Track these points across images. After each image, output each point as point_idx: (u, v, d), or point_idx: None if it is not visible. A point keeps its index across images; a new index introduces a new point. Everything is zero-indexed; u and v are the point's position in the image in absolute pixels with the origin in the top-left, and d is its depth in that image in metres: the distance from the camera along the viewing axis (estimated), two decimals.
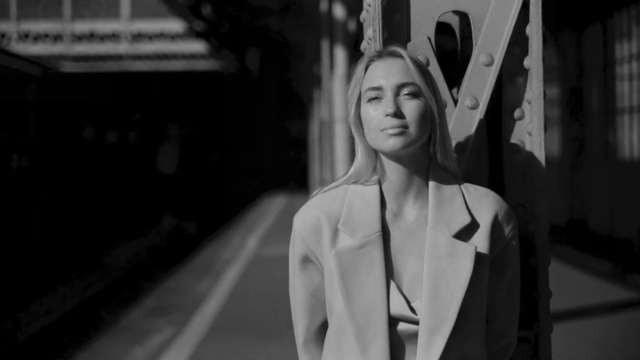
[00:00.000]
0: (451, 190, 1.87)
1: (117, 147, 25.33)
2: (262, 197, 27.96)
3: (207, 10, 20.56)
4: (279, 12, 17.35)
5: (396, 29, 2.18)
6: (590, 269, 10.13)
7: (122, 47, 28.15)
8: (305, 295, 1.92)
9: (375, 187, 1.87)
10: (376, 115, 1.82)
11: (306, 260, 1.89)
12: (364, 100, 1.85)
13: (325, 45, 12.77)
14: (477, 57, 2.19)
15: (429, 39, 2.19)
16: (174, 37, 28.08)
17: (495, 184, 2.25)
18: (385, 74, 1.83)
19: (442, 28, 2.34)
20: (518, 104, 2.24)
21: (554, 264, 2.22)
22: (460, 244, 1.82)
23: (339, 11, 10.36)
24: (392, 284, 1.81)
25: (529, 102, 2.19)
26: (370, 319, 1.79)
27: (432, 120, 1.84)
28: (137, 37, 28.20)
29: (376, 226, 1.83)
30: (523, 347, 2.18)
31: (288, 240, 1.94)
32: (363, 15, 2.41)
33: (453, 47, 2.37)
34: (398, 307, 1.79)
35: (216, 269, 12.01)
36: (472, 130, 2.18)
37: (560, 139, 14.94)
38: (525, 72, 2.23)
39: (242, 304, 8.80)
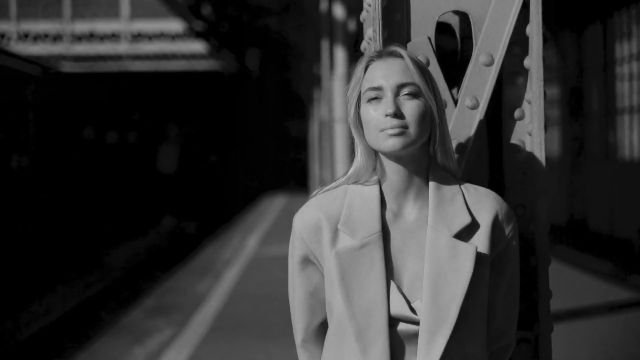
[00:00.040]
0: (451, 190, 1.87)
1: (117, 147, 25.32)
2: (262, 197, 27.96)
3: (207, 10, 20.57)
4: (279, 12, 17.34)
5: (396, 29, 2.18)
6: (590, 269, 10.13)
7: (122, 47, 28.15)
8: (305, 295, 1.92)
9: (375, 187, 1.86)
10: (376, 116, 1.81)
11: (306, 261, 1.89)
12: (363, 101, 1.85)
13: (325, 45, 12.77)
14: (477, 57, 2.19)
15: (429, 39, 2.19)
16: (173, 37, 28.09)
17: (495, 184, 2.25)
18: (385, 74, 1.83)
19: (442, 28, 2.34)
20: (518, 104, 2.24)
21: (554, 264, 2.22)
22: (460, 244, 1.81)
23: (338, 11, 10.36)
24: (393, 284, 1.81)
25: (529, 102, 2.19)
26: (371, 319, 1.79)
27: (432, 120, 1.84)
28: (137, 37, 28.21)
29: (376, 226, 1.83)
30: (523, 347, 2.18)
31: (288, 240, 1.94)
32: (363, 15, 2.41)
33: (453, 47, 2.37)
34: (398, 307, 1.79)
35: (216, 269, 12.01)
36: (472, 130, 2.18)
37: (560, 139, 14.94)
38: (525, 72, 2.23)
39: (242, 304, 8.80)
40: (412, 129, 1.80)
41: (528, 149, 2.21)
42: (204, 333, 7.51)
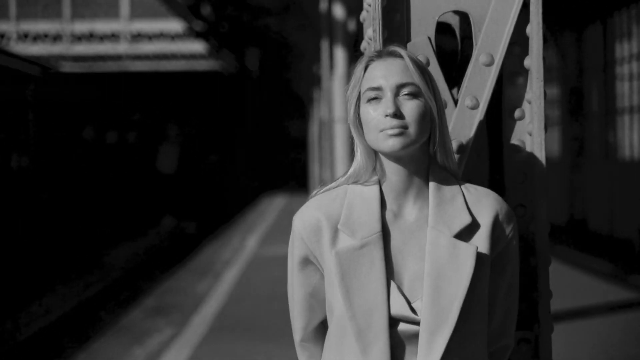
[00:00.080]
0: (451, 190, 1.87)
1: (116, 147, 25.31)
2: (261, 197, 27.96)
3: (206, 10, 20.55)
4: (279, 12, 17.33)
5: (396, 29, 2.18)
6: (591, 269, 10.13)
7: (122, 47, 28.16)
8: (304, 295, 1.91)
9: (375, 188, 1.86)
10: (376, 116, 1.81)
11: (305, 261, 1.89)
12: (363, 101, 1.84)
13: (325, 45, 12.77)
14: (478, 57, 2.19)
15: (429, 39, 2.18)
16: (173, 37, 28.09)
17: (495, 184, 2.25)
18: (384, 74, 1.82)
19: (443, 28, 2.34)
20: (518, 104, 2.23)
21: (553, 264, 2.22)
22: (461, 244, 1.81)
23: (338, 11, 10.36)
24: (393, 285, 1.80)
25: (530, 102, 2.18)
26: (371, 320, 1.78)
27: (431, 121, 1.84)
28: (137, 37, 28.21)
29: (376, 226, 1.83)
30: (524, 347, 2.18)
31: (288, 240, 1.94)
32: (363, 15, 2.41)
33: (453, 47, 2.37)
34: (398, 307, 1.79)
35: (216, 269, 12.01)
36: (473, 130, 2.18)
37: (560, 139, 14.94)
38: (525, 72, 2.22)
39: (241, 304, 8.79)
40: (411, 129, 1.80)
41: (528, 149, 2.20)
42: (204, 333, 7.50)
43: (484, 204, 1.87)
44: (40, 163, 16.27)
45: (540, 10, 2.15)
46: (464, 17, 2.32)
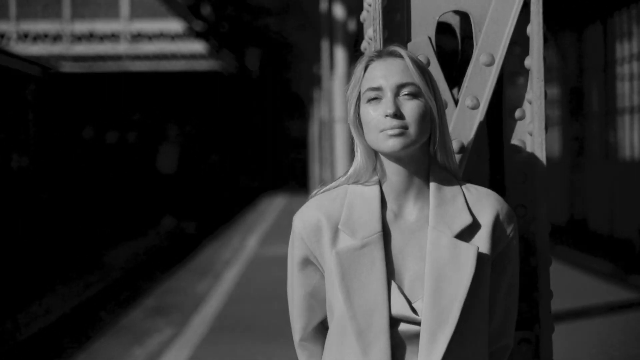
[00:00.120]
0: (452, 190, 1.86)
1: (116, 147, 25.34)
2: (262, 197, 27.96)
3: (206, 10, 20.55)
4: (279, 12, 17.33)
5: (397, 29, 2.17)
6: (591, 269, 10.13)
7: (122, 47, 28.17)
8: (304, 295, 1.91)
9: (376, 188, 1.86)
10: (376, 116, 1.81)
11: (305, 261, 1.89)
12: (363, 101, 1.84)
13: (325, 45, 12.77)
14: (478, 57, 2.18)
15: (430, 38, 2.18)
16: (173, 37, 28.10)
17: (495, 184, 2.25)
18: (384, 74, 1.82)
19: (443, 28, 2.34)
20: (519, 104, 2.23)
21: (554, 264, 2.21)
22: (462, 244, 1.81)
23: (338, 11, 10.36)
24: (393, 285, 1.80)
25: (530, 102, 2.18)
26: (372, 320, 1.78)
27: (432, 121, 1.83)
28: (137, 37, 28.23)
29: (377, 226, 1.82)
30: (524, 347, 2.18)
31: (288, 240, 1.93)
32: (363, 15, 2.40)
33: (454, 47, 2.37)
34: (399, 307, 1.79)
35: (216, 269, 12.01)
36: (473, 130, 2.17)
37: (560, 139, 14.94)
38: (526, 72, 2.22)
39: (242, 305, 8.79)
40: (412, 130, 1.79)
41: (529, 149, 2.20)
42: (204, 333, 7.50)
43: (485, 204, 1.87)
44: (40, 163, 16.27)
45: (541, 10, 2.15)
46: (464, 17, 2.32)
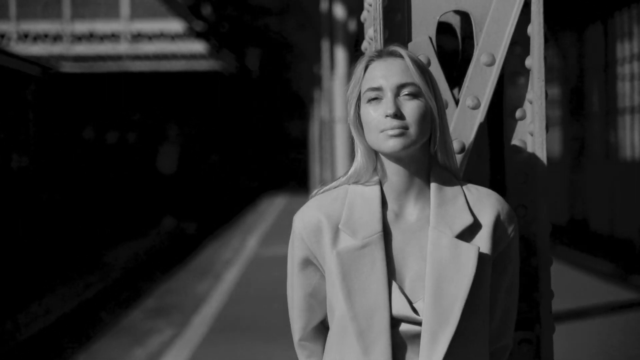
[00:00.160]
0: (453, 190, 1.86)
1: (117, 147, 25.33)
2: (262, 197, 27.97)
3: (207, 10, 20.54)
4: (279, 12, 17.32)
5: (397, 29, 2.17)
6: (591, 270, 10.12)
7: (122, 48, 28.17)
8: (304, 295, 1.91)
9: (376, 188, 1.85)
10: (376, 116, 1.80)
11: (306, 261, 1.88)
12: (363, 101, 1.84)
13: (325, 45, 12.77)
14: (479, 57, 2.18)
15: (430, 38, 2.18)
16: (173, 37, 28.11)
17: (496, 184, 2.24)
18: (385, 74, 1.81)
19: (443, 28, 2.33)
20: (519, 104, 2.23)
21: (554, 265, 2.21)
22: (462, 244, 1.80)
23: (339, 11, 10.36)
24: (394, 285, 1.80)
25: (531, 102, 2.18)
26: (372, 320, 1.78)
27: (432, 121, 1.83)
28: (137, 37, 28.23)
29: (377, 227, 1.82)
30: (525, 348, 2.17)
31: (288, 240, 1.93)
32: (364, 15, 2.40)
33: (454, 47, 2.36)
34: (400, 307, 1.78)
35: (216, 270, 12.01)
36: (474, 130, 2.17)
37: (561, 139, 14.94)
38: (526, 72, 2.22)
39: (242, 305, 8.79)
40: (412, 130, 1.79)
41: (529, 149, 2.20)
42: (204, 334, 7.50)
43: (486, 204, 1.86)
44: (40, 163, 16.28)
45: (542, 10, 2.14)
46: (465, 16, 2.31)
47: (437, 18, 2.19)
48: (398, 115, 1.78)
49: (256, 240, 14.71)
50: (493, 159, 2.26)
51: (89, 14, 28.14)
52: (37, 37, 27.82)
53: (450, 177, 1.87)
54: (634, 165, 11.95)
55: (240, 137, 36.10)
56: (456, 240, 1.81)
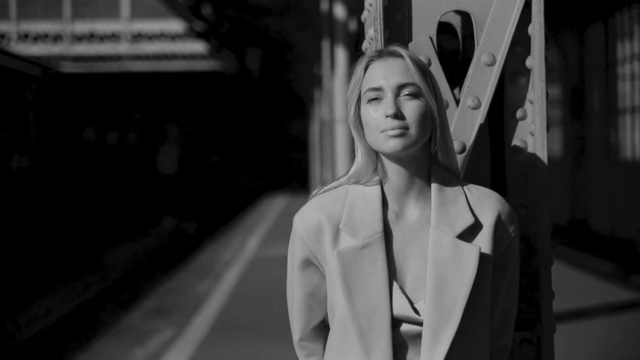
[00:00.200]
0: (454, 190, 1.86)
1: (117, 147, 25.32)
2: (262, 197, 27.97)
3: (207, 10, 20.54)
4: (280, 12, 17.32)
5: (398, 29, 2.17)
6: (592, 270, 10.12)
7: (122, 48, 28.17)
8: (304, 296, 1.91)
9: (377, 188, 1.85)
10: (376, 117, 1.80)
11: (306, 262, 1.88)
12: (363, 101, 1.83)
13: (326, 45, 12.77)
14: (479, 57, 2.18)
15: (431, 38, 2.17)
16: (174, 37, 28.10)
17: (497, 184, 2.24)
18: (385, 74, 1.81)
19: (444, 28, 2.33)
20: (520, 104, 2.22)
21: (555, 265, 2.20)
22: (464, 244, 1.80)
23: (339, 11, 10.35)
24: (395, 285, 1.79)
25: (531, 102, 2.17)
26: (373, 320, 1.78)
27: (432, 121, 1.83)
28: (137, 37, 28.23)
29: (378, 227, 1.81)
30: (526, 348, 2.17)
31: (288, 241, 1.93)
32: (364, 15, 2.39)
33: (455, 47, 2.36)
34: (401, 308, 1.78)
35: (216, 270, 12.00)
36: (474, 130, 2.17)
37: (561, 139, 14.94)
38: (527, 72, 2.21)
39: (242, 305, 8.79)
40: (412, 130, 1.79)
41: (530, 149, 2.19)
42: (205, 334, 7.50)
43: (486, 204, 1.86)
44: (41, 163, 16.28)
45: (542, 10, 2.14)
46: (465, 16, 2.31)
47: (438, 18, 2.19)
48: (398, 115, 1.78)
49: (256, 241, 14.70)
50: (494, 159, 2.26)
51: (89, 14, 28.14)
52: (38, 37, 27.83)
53: (451, 177, 1.87)
54: (635, 165, 11.94)
55: (241, 137, 36.11)
56: (457, 240, 1.80)
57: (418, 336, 1.78)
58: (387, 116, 1.78)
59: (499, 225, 1.85)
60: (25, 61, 16.32)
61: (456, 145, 2.14)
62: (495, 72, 2.17)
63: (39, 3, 27.97)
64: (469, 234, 1.82)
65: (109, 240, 17.75)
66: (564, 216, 14.15)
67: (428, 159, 1.86)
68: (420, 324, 1.78)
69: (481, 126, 2.18)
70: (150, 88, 31.77)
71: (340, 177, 1.92)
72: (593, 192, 13.45)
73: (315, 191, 1.92)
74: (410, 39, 2.17)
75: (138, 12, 28.13)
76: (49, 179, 16.80)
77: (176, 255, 15.36)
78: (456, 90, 2.26)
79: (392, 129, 1.78)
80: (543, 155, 2.15)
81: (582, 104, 14.04)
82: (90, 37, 28.11)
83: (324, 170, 16.08)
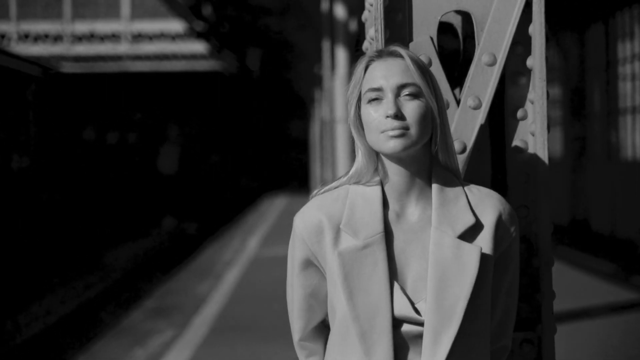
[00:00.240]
0: (454, 191, 1.85)
1: (117, 147, 25.33)
2: (262, 197, 27.97)
3: (207, 10, 20.53)
4: (280, 12, 17.32)
5: (398, 29, 2.16)
6: (592, 270, 10.12)
7: (122, 48, 28.16)
8: (304, 296, 1.90)
9: (377, 188, 1.85)
10: (376, 117, 1.80)
11: (306, 262, 1.88)
12: (363, 101, 1.83)
13: (326, 45, 12.76)
14: (480, 57, 2.17)
15: (431, 38, 2.17)
16: (174, 37, 28.10)
17: (497, 184, 2.24)
18: (385, 74, 1.81)
19: (444, 28, 2.32)
20: (521, 104, 2.22)
21: (555, 265, 2.20)
22: (465, 245, 1.80)
23: (340, 11, 10.35)
24: (396, 285, 1.79)
25: (532, 102, 2.17)
26: (374, 321, 1.77)
27: (433, 121, 1.82)
28: (137, 37, 28.22)
29: (379, 227, 1.81)
30: (526, 348, 2.17)
31: (289, 241, 1.92)
32: (365, 15, 2.39)
33: (455, 47, 2.36)
34: (402, 308, 1.78)
35: (217, 270, 12.00)
36: (475, 130, 2.16)
37: (562, 139, 14.94)
38: (528, 72, 2.21)
39: (242, 305, 8.78)
40: (413, 130, 1.78)
41: (531, 149, 2.19)
42: (205, 334, 7.50)
43: (487, 204, 1.86)
44: (41, 163, 16.28)
45: (543, 10, 2.14)
46: (466, 16, 2.31)
47: (438, 18, 2.19)
48: (399, 115, 1.78)
49: (257, 241, 14.70)
50: (494, 159, 2.26)
51: (89, 14, 28.14)
52: (38, 38, 27.83)
53: (452, 177, 1.87)
54: (635, 165, 11.94)
55: (241, 137, 36.10)
56: (458, 240, 1.80)
57: (419, 336, 1.78)
58: (387, 116, 1.78)
59: (499, 225, 1.85)
60: (26, 61, 16.33)
61: (457, 146, 2.14)
62: (496, 72, 2.17)
63: (39, 3, 27.98)
64: (470, 234, 1.82)
65: (109, 240, 17.75)
66: (564, 216, 14.15)
67: (429, 159, 1.85)
68: (421, 324, 1.78)
69: (482, 126, 2.17)
70: (151, 88, 31.77)
71: (340, 177, 1.92)
72: (593, 192, 13.45)
73: (315, 191, 1.92)
74: (410, 39, 2.17)
75: (138, 12, 28.14)
76: (49, 179, 16.80)
77: (176, 255, 15.36)
78: (457, 90, 2.26)
79: (393, 129, 1.77)
80: (544, 155, 2.15)
81: (583, 104, 14.04)
82: (91, 37, 28.10)
83: (324, 170, 16.08)
